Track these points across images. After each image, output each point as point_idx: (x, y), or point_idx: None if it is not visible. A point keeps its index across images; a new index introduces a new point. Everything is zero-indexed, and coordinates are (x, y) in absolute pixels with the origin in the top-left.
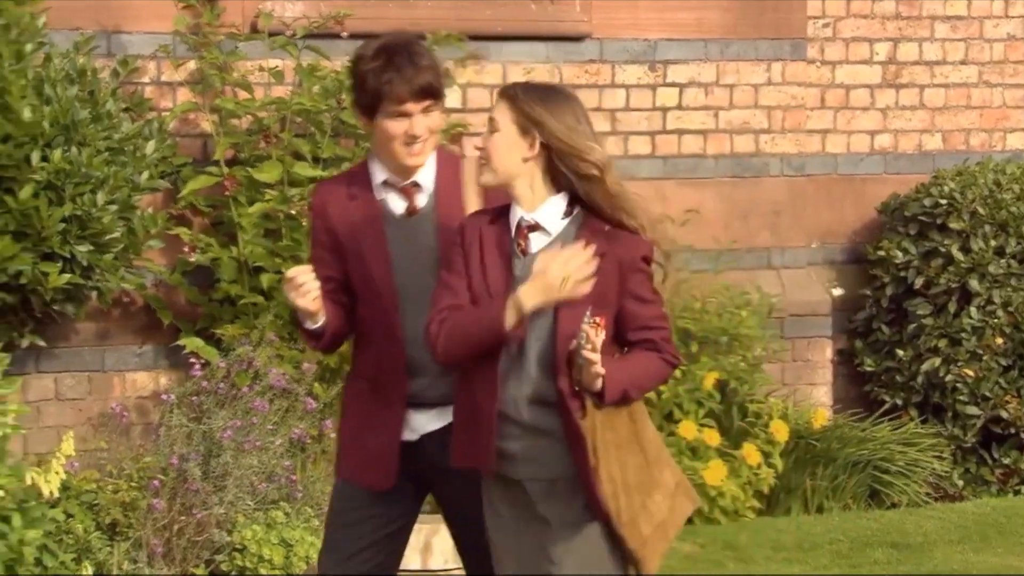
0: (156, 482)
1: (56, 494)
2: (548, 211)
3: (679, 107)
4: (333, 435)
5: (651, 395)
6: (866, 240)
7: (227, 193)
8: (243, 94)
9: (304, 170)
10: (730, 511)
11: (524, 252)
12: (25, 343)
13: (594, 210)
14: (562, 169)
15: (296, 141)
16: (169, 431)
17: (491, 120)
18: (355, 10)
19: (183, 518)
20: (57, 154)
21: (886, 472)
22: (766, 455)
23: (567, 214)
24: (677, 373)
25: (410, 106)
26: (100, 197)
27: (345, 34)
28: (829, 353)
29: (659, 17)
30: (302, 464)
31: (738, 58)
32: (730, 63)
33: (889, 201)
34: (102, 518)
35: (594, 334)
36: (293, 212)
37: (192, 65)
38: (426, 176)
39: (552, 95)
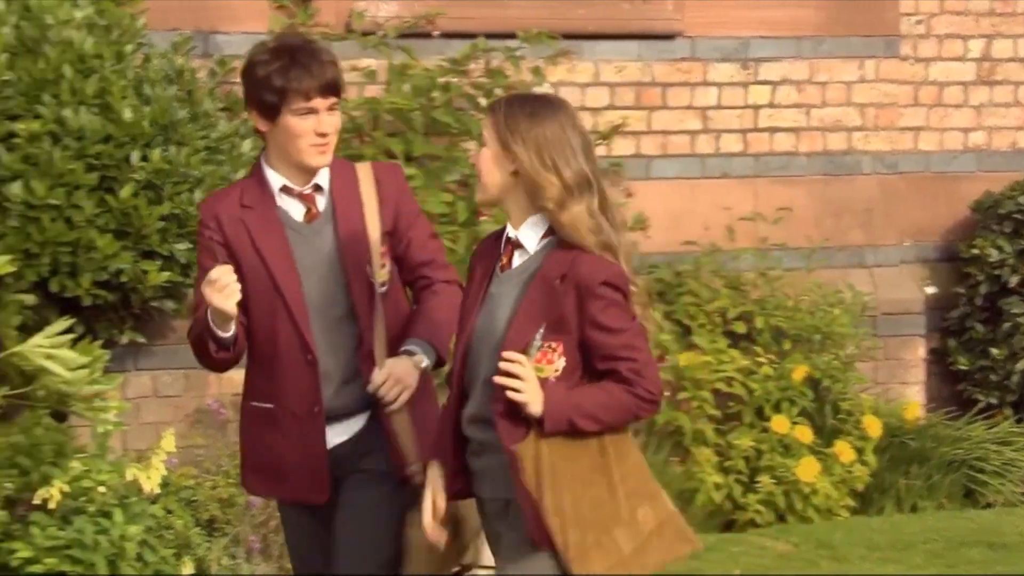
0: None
1: (157, 490)
2: (528, 230)
3: (771, 105)
4: None
5: (742, 392)
6: (959, 238)
7: None
8: None
9: None
10: (823, 509)
11: (503, 269)
12: (125, 340)
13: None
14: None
15: (389, 140)
16: None
17: (482, 135)
18: (447, 9)
19: (278, 514)
20: (156, 153)
21: (981, 471)
22: (859, 452)
23: (548, 233)
24: (768, 370)
25: (317, 102)
26: (198, 196)
27: (436, 33)
28: (922, 352)
29: (751, 15)
30: None
31: (831, 55)
32: (823, 61)
33: (983, 199)
34: (200, 514)
35: (526, 360)
36: None
37: None
38: (323, 180)
39: (534, 112)
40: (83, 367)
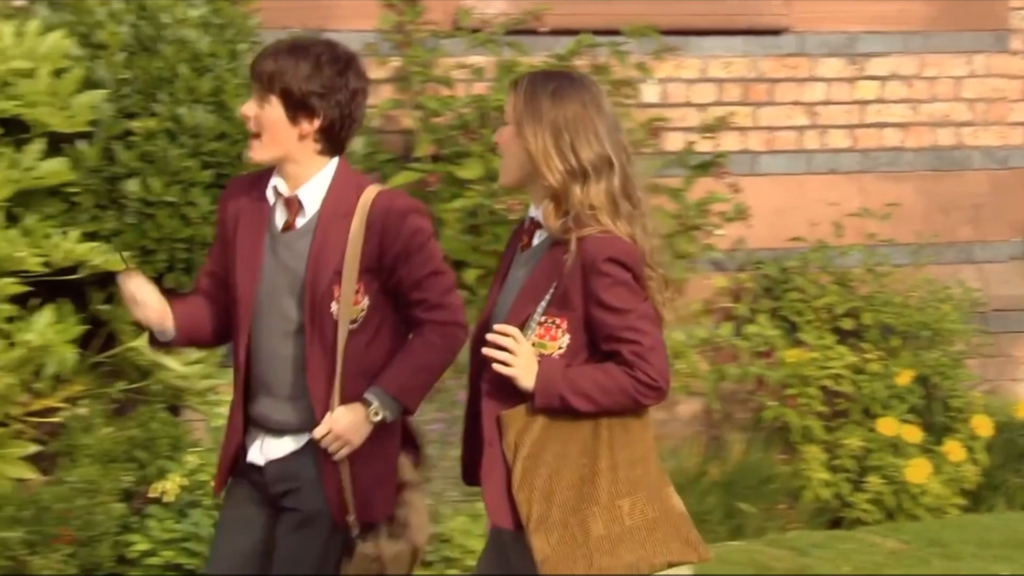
0: None
1: None
2: (547, 208)
3: (879, 100)
4: None
5: (850, 390)
6: None
7: (429, 189)
8: (444, 90)
9: None
10: (933, 508)
11: (523, 249)
12: None
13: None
14: None
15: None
16: None
17: (504, 111)
18: (553, 6)
19: None
20: None
21: None
22: (969, 451)
23: (567, 212)
24: (876, 367)
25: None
26: None
27: (543, 29)
28: None
29: (859, 9)
30: None
31: (939, 50)
32: (931, 55)
33: None
34: None
35: (517, 333)
36: (497, 208)
37: (395, 63)
38: (312, 195)
39: (557, 90)
40: (197, 362)
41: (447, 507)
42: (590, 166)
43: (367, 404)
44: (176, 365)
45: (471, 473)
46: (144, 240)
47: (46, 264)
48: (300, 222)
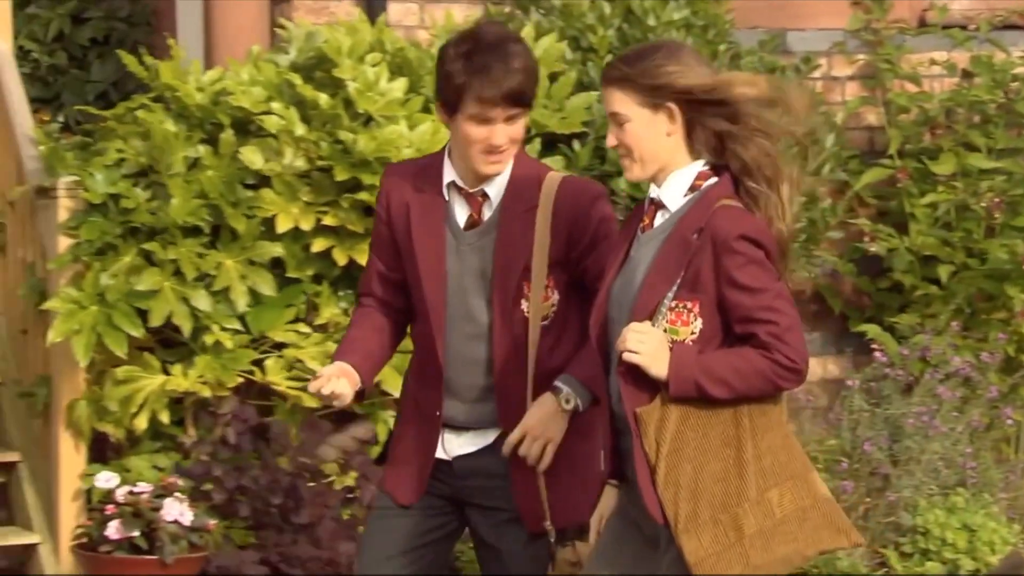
0: (844, 464)
1: None
2: (672, 185)
3: None
4: (1009, 422)
5: None
6: None
7: (899, 184)
8: (910, 87)
9: (979, 161)
10: None
11: (644, 230)
12: None
13: (739, 173)
14: (705, 126)
15: (970, 132)
16: (851, 415)
17: (613, 115)
18: None
19: (868, 500)
20: None
21: None
22: None
23: (694, 188)
24: None
25: (496, 112)
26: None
27: None
28: None
29: None
30: (977, 451)
31: None
32: None
33: None
34: None
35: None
36: (977, 204)
37: (862, 60)
38: (496, 187)
39: (657, 52)
40: None
41: (924, 500)
42: (732, 95)
43: (557, 392)
44: None
45: (612, 465)
46: None
47: None
48: (486, 215)
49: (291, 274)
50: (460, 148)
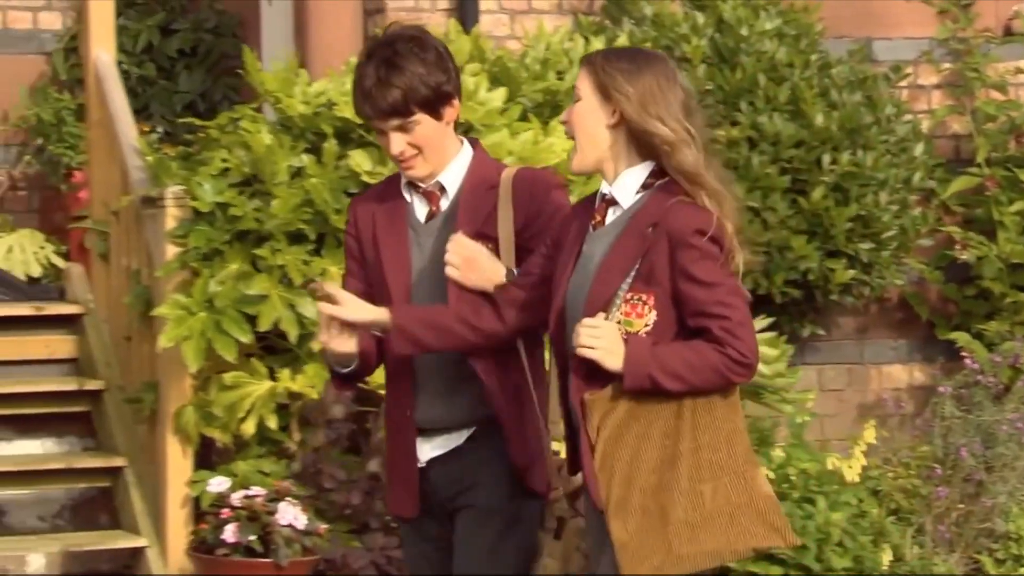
0: (937, 470)
1: (857, 480)
2: (624, 183)
3: None
4: None
5: None
6: None
7: (987, 193)
8: (997, 95)
9: None
10: None
11: (596, 227)
12: (806, 333)
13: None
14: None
15: None
16: (943, 421)
17: (574, 89)
18: None
19: (961, 506)
20: (845, 157)
21: None
22: None
23: (647, 185)
24: None
25: (380, 125)
26: (883, 198)
27: None
28: None
29: None
30: None
31: None
32: None
33: None
34: (885, 504)
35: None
36: None
37: (948, 69)
38: (452, 178)
39: (635, 60)
40: (776, 360)
41: (1018, 506)
42: (677, 135)
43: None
44: (759, 364)
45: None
46: None
47: None
48: (444, 204)
49: None
50: None
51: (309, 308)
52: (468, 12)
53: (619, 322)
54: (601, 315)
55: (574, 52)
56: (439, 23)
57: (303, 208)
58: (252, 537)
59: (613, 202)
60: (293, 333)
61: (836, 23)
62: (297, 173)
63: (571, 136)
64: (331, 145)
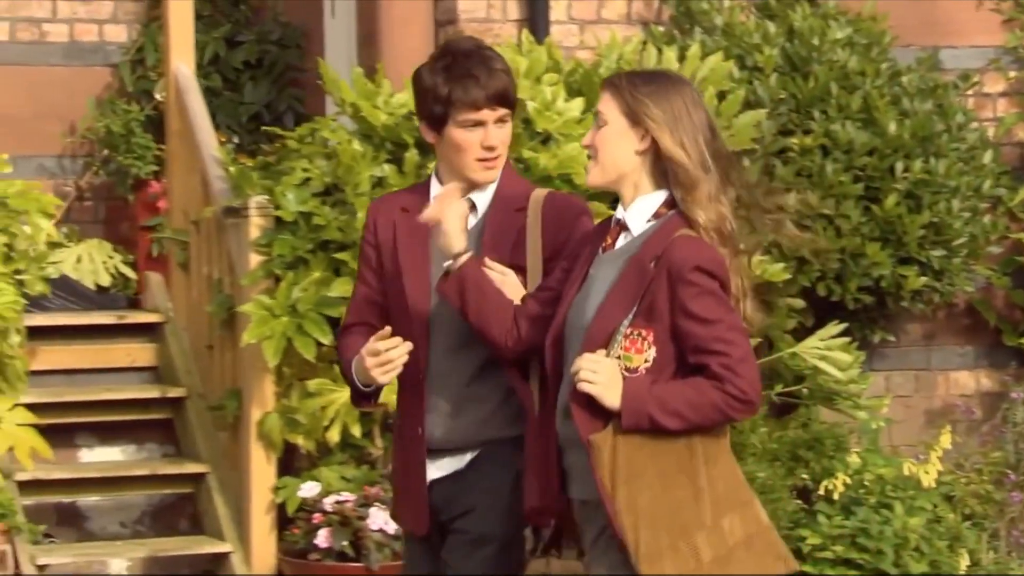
0: (1011, 476)
1: (933, 485)
2: (638, 208)
3: None
4: None
5: None
6: None
7: None
8: None
9: None
10: None
11: (605, 250)
12: (877, 339)
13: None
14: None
15: None
16: (1015, 427)
17: (597, 113)
18: None
19: None
20: (917, 165)
21: None
22: None
23: (658, 215)
24: None
25: (485, 113)
26: (955, 205)
27: None
28: None
29: None
30: None
31: None
32: None
33: None
34: (959, 509)
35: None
36: None
37: (1015, 76)
38: (483, 196)
39: (661, 84)
40: (850, 367)
41: None
42: (697, 163)
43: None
44: (834, 370)
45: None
46: (801, 252)
47: None
48: (471, 222)
49: None
50: (451, 160)
51: None
52: (539, 23)
53: (619, 357)
54: (601, 351)
55: (646, 62)
56: (511, 34)
57: None
58: (344, 542)
59: (625, 227)
60: None
61: (903, 32)
62: (378, 183)
63: (592, 156)
64: (412, 155)
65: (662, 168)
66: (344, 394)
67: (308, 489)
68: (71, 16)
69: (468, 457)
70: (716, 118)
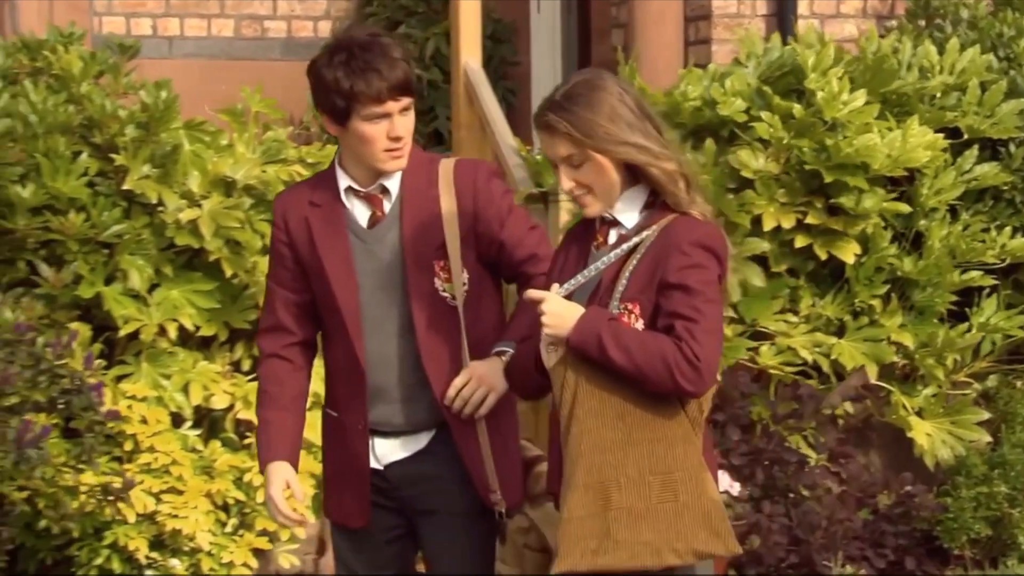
0: None
1: None
2: (624, 204)
3: None
4: None
5: None
6: None
7: None
8: None
9: None
10: None
11: (599, 247)
12: None
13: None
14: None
15: None
16: None
17: (565, 157)
18: None
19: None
20: None
21: None
22: None
23: (649, 204)
24: None
25: (389, 105)
26: None
27: None
28: None
29: None
30: None
31: None
32: None
33: None
34: None
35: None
36: None
37: None
38: (393, 180)
39: (580, 98)
40: None
41: None
42: (637, 159)
43: (500, 354)
44: None
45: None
46: None
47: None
48: (387, 207)
49: (774, 269)
50: (357, 153)
51: None
52: (786, 17)
53: None
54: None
55: (901, 54)
56: (759, 27)
57: None
58: None
59: (614, 223)
60: None
61: None
62: None
63: (584, 193)
64: (710, 143)
65: (627, 166)
66: None
67: None
68: (289, 13)
69: (426, 436)
70: (979, 106)
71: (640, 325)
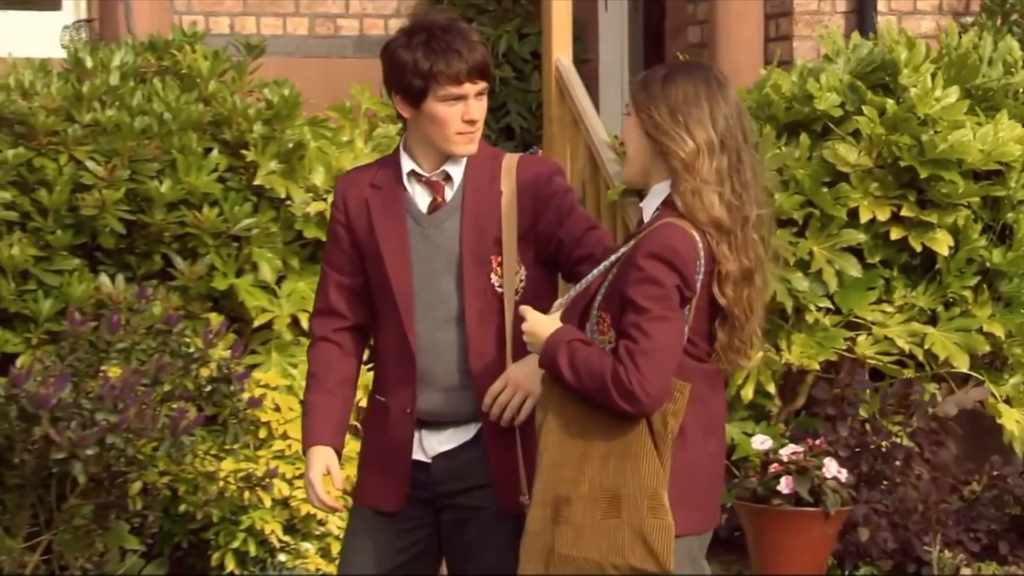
0: None
1: None
2: (650, 198)
3: None
4: None
5: None
6: None
7: None
8: None
9: None
10: None
11: (630, 238)
12: None
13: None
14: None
15: None
16: None
17: (626, 105)
18: None
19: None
20: None
21: None
22: None
23: (666, 202)
24: None
25: (467, 87)
26: None
27: None
28: None
29: None
30: None
31: None
32: None
33: None
34: None
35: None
36: None
37: None
38: (457, 168)
39: (669, 75)
40: None
41: None
42: (705, 146)
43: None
44: None
45: None
46: None
47: None
48: (449, 194)
49: (868, 260)
50: (428, 135)
51: (801, 283)
52: (866, 14)
53: (596, 340)
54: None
55: (982, 50)
56: (839, 24)
57: (794, 196)
58: (805, 488)
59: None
60: (789, 305)
61: None
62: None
63: (622, 148)
64: (805, 138)
65: (664, 156)
66: (757, 354)
67: (760, 442)
68: (360, 12)
69: (474, 428)
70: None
71: (613, 334)
